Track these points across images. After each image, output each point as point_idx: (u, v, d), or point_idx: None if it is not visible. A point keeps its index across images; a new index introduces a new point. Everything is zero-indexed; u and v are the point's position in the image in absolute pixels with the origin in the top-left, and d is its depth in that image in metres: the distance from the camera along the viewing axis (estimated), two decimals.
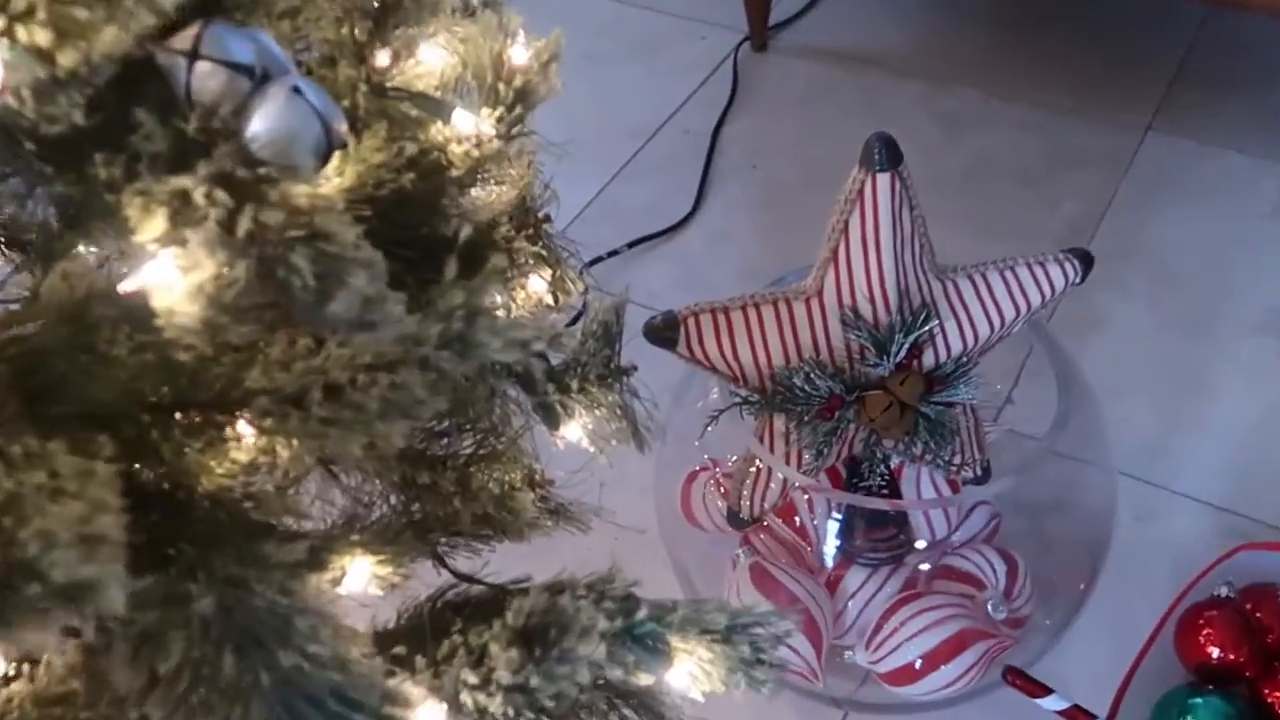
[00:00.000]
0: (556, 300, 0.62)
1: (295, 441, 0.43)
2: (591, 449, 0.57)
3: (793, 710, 0.85)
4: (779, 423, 0.75)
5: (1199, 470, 0.97)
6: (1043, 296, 0.75)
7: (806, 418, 0.72)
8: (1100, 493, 0.79)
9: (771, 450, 0.76)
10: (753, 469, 0.78)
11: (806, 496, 0.82)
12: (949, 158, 1.26)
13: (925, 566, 0.81)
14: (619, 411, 0.56)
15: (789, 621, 0.49)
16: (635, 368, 0.57)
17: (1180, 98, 1.31)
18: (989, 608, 0.79)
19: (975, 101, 1.32)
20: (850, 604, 0.81)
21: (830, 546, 0.80)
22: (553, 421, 0.55)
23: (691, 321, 0.72)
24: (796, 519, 0.83)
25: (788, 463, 0.76)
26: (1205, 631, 0.79)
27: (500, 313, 0.53)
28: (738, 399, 0.74)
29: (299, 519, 0.49)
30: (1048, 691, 0.71)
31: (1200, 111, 1.29)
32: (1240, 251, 1.14)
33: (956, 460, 0.79)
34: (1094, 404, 0.78)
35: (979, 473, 0.81)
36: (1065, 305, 1.10)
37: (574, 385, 0.55)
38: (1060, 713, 0.71)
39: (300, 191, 0.39)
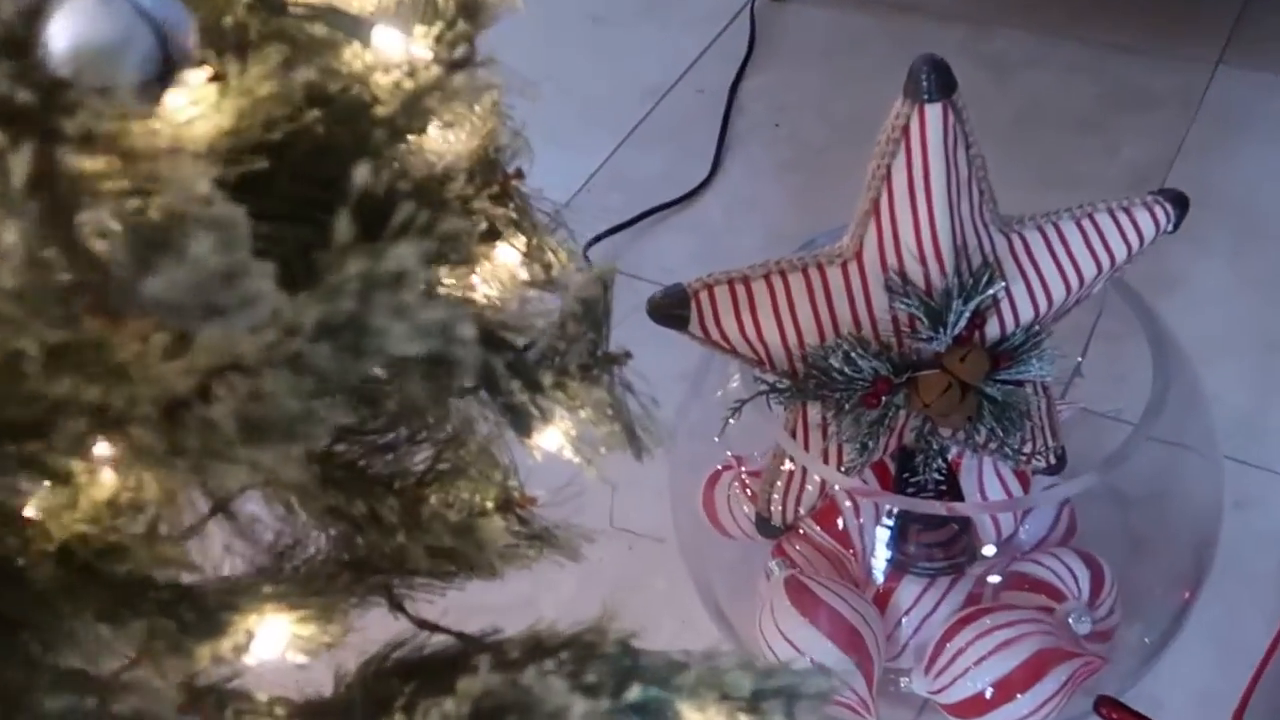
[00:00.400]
0: (537, 275, 0.50)
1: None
2: (576, 459, 0.45)
3: None
4: (813, 413, 0.63)
5: None
6: (1129, 248, 0.62)
7: (847, 406, 0.60)
8: (1203, 482, 0.67)
9: (806, 446, 0.64)
10: (783, 468, 0.66)
11: (850, 499, 0.70)
12: (997, 104, 1.13)
13: (994, 579, 0.69)
14: (608, 411, 0.44)
15: (833, 678, 0.37)
16: (628, 355, 0.45)
17: (1252, 28, 1.17)
18: (1070, 621, 0.67)
19: (1023, 43, 1.19)
20: (904, 621, 0.69)
21: (880, 557, 0.67)
22: (522, 427, 0.43)
23: (704, 295, 0.60)
24: (839, 523, 0.71)
25: (826, 460, 0.64)
26: None
27: (441, 289, 0.42)
28: (763, 386, 0.62)
29: (188, 571, 0.37)
30: None
31: (1277, 42, 1.15)
32: None
33: (1027, 449, 0.66)
34: (1191, 376, 0.65)
35: (1053, 461, 0.69)
36: (1132, 264, 0.97)
37: (548, 381, 0.43)
38: None
39: (120, 124, 0.28)
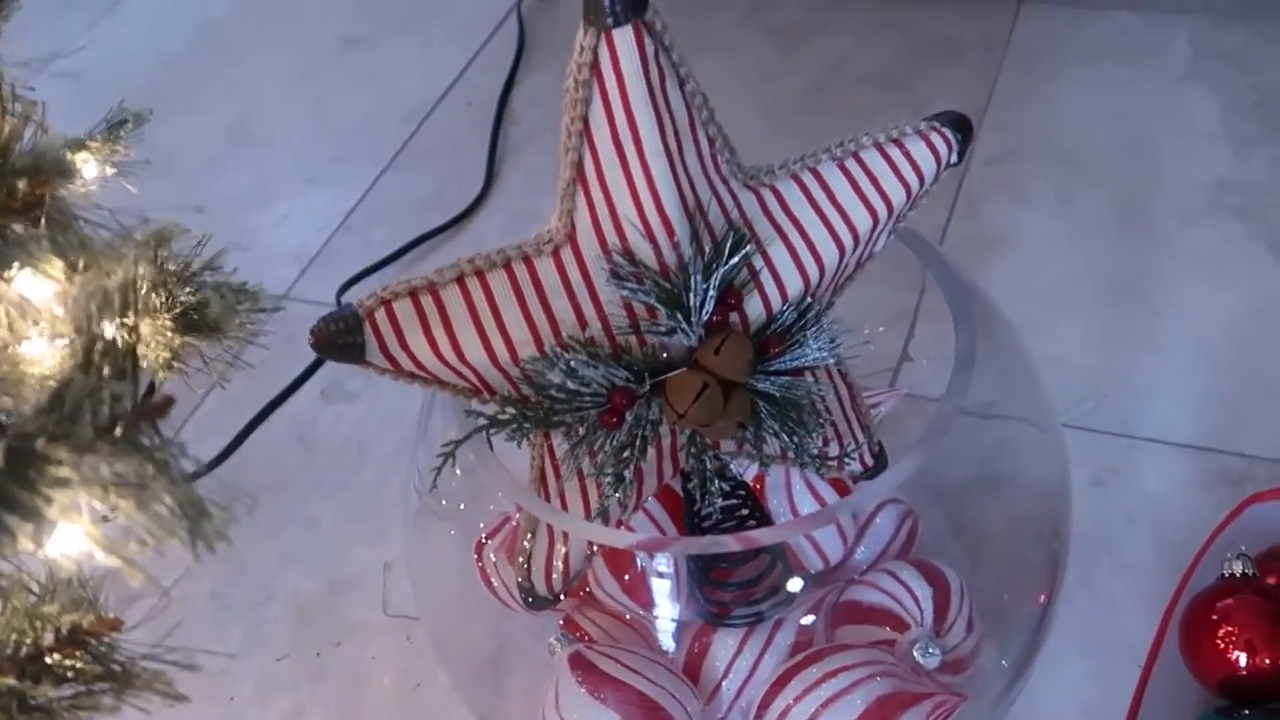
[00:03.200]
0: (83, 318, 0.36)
1: None
2: (109, 562, 0.30)
3: None
4: (559, 444, 0.50)
5: (1165, 404, 0.73)
6: (907, 190, 0.50)
7: (581, 430, 0.47)
8: (1041, 458, 0.55)
9: (558, 484, 0.51)
10: (537, 523, 0.52)
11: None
12: (791, 77, 1.02)
13: (809, 619, 0.56)
14: (156, 492, 0.30)
15: None
16: (171, 401, 0.31)
17: None
18: (915, 654, 0.54)
19: (811, 7, 1.09)
20: (725, 686, 0.56)
21: (667, 615, 0.54)
22: (9, 528, 0.28)
23: (382, 315, 0.46)
24: (627, 575, 0.58)
25: (586, 503, 0.51)
26: (1223, 630, 0.55)
27: None
28: (481, 421, 0.48)
29: None
30: None
31: None
32: (1158, 124, 0.91)
33: (831, 452, 0.54)
34: (1006, 334, 0.54)
35: (869, 462, 0.57)
36: (952, 227, 0.87)
37: (49, 452, 0.29)
38: None
39: None
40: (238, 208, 1.00)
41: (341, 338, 0.46)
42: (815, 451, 0.52)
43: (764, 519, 0.58)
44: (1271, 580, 0.57)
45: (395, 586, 0.72)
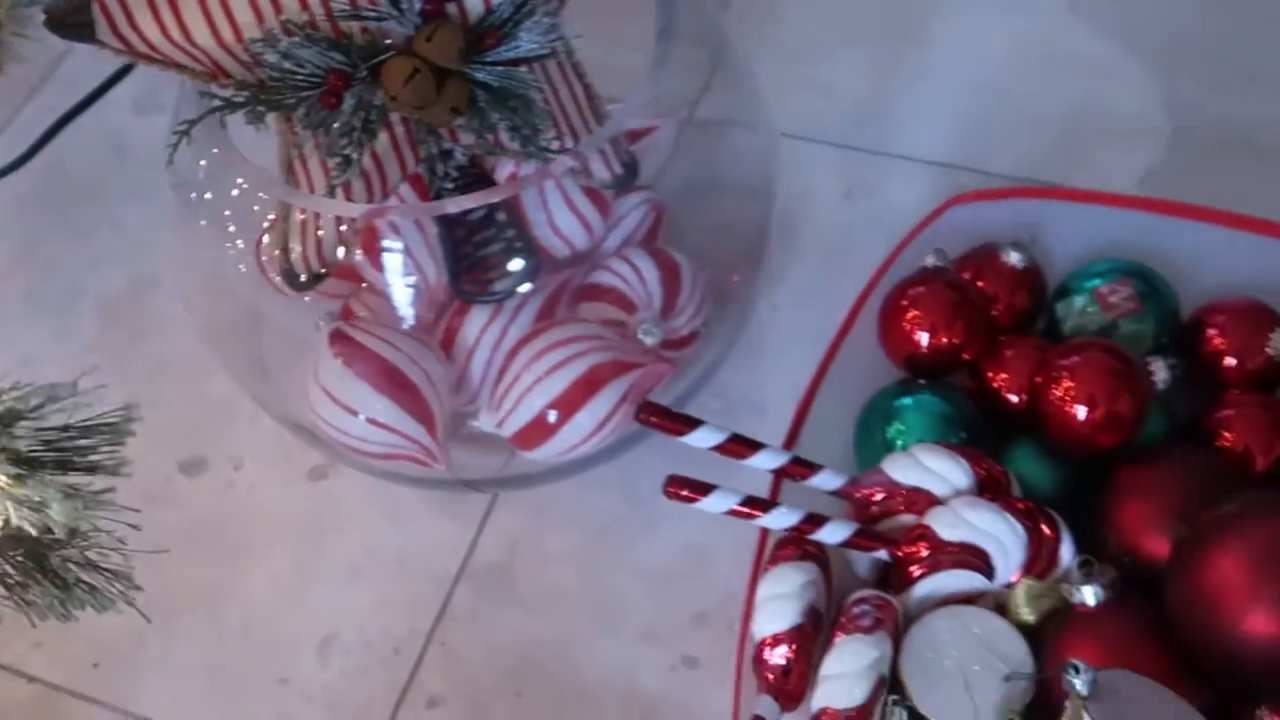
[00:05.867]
0: None
1: None
2: None
3: (422, 506, 0.67)
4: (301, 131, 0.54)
5: (922, 127, 0.79)
6: None
7: (304, 111, 0.51)
8: (755, 158, 0.60)
9: (305, 171, 0.55)
10: (287, 212, 0.57)
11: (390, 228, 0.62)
12: None
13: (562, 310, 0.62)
14: None
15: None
16: None
17: None
18: (640, 332, 0.61)
19: None
20: (476, 359, 0.62)
21: (400, 283, 0.60)
22: None
23: None
24: (377, 252, 0.63)
25: (330, 182, 0.56)
26: (911, 314, 0.62)
27: None
28: (213, 103, 0.52)
29: None
30: (693, 425, 0.54)
31: None
32: None
33: (559, 145, 0.59)
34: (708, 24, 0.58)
35: (619, 170, 0.62)
36: None
37: None
38: (717, 448, 0.54)
39: None
40: None
41: (71, 16, 0.49)
42: (545, 144, 0.57)
43: (511, 212, 0.63)
44: (966, 276, 0.64)
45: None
